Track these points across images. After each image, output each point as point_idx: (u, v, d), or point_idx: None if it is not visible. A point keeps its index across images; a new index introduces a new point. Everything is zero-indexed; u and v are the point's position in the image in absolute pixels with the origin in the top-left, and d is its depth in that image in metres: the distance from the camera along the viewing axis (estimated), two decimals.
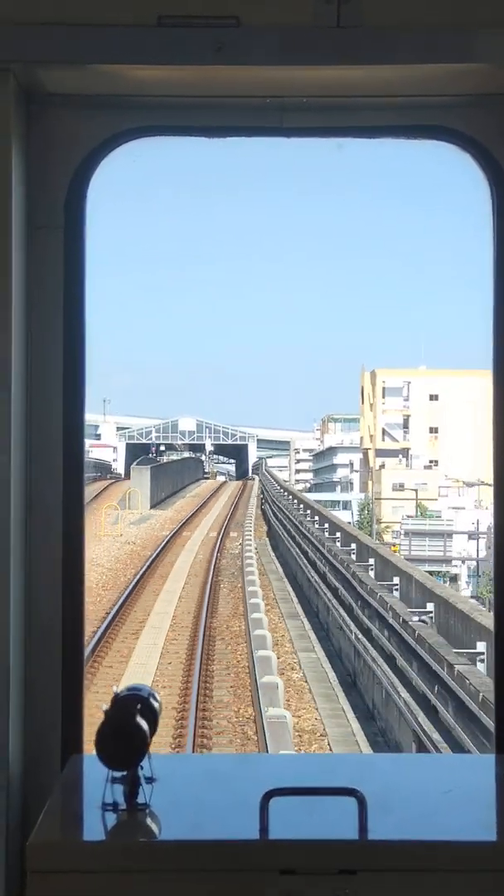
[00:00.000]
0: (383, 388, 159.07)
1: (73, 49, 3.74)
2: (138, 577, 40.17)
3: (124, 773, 3.45)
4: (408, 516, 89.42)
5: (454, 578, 71.38)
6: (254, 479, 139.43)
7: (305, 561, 44.96)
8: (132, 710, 3.42)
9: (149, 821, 3.41)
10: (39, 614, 4.00)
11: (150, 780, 3.53)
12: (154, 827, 3.42)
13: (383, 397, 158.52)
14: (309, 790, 3.49)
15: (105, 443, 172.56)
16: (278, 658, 27.59)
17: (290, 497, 74.93)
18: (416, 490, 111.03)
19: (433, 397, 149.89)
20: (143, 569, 42.39)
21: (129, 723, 3.38)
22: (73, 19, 3.73)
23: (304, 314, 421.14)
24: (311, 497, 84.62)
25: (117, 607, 32.81)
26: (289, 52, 3.73)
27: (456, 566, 77.76)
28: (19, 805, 3.94)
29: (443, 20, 3.74)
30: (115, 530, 60.69)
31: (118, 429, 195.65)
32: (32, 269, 4.04)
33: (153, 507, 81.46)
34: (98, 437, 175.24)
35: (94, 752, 3.48)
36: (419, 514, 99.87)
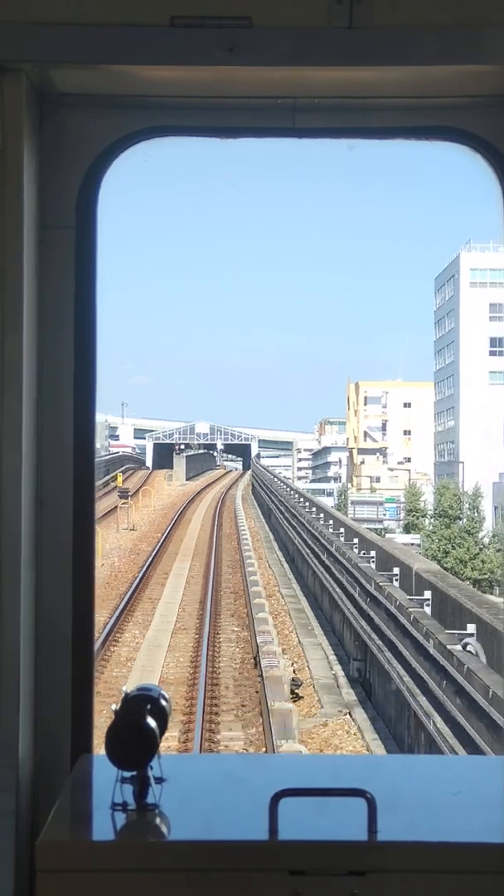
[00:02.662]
0: (365, 397, 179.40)
1: (85, 49, 3.70)
2: (188, 501, 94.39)
3: (134, 772, 3.44)
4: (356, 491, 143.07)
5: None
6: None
7: (266, 493, 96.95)
8: (142, 710, 3.43)
9: (158, 821, 3.38)
10: (49, 614, 3.98)
11: (159, 780, 3.49)
12: (163, 827, 3.39)
13: (365, 405, 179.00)
14: (318, 791, 3.46)
15: (123, 443, 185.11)
16: (246, 521, 76.74)
17: (267, 473, 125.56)
18: (371, 477, 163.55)
19: (407, 405, 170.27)
20: (189, 500, 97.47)
21: (139, 723, 3.39)
22: (85, 19, 3.68)
23: (309, 319, 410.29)
24: (305, 486, 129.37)
25: (182, 508, 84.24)
26: (301, 53, 3.70)
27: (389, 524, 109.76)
28: (29, 804, 3.90)
29: (455, 21, 3.68)
30: (171, 488, 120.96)
31: (135, 430, 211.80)
32: (44, 269, 3.99)
33: (187, 479, 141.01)
34: (117, 437, 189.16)
35: (103, 751, 3.45)
36: (370, 491, 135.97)
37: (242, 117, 4.11)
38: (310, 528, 52.24)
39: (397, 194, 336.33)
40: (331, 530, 50.26)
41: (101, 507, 71.61)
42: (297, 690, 27.25)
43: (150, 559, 49.80)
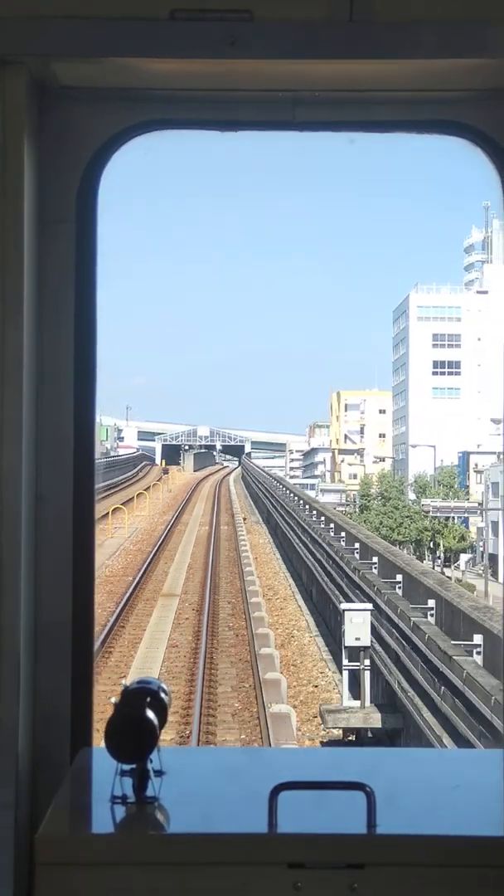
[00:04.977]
0: (345, 405, 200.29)
1: (86, 42, 3.52)
2: (195, 486, 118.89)
3: (133, 766, 3.30)
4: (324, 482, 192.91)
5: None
6: None
7: (250, 478, 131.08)
8: (141, 702, 3.32)
9: (158, 814, 3.27)
10: (49, 607, 3.83)
11: (159, 773, 3.35)
12: (163, 820, 3.28)
13: (345, 411, 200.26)
14: (317, 784, 3.35)
15: (128, 444, 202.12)
16: (234, 487, 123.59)
17: (254, 466, 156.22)
18: (339, 472, 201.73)
19: (381, 411, 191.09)
20: (199, 480, 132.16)
21: (139, 716, 3.29)
22: (86, 12, 3.49)
23: (310, 319, 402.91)
24: (296, 482, 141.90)
25: (195, 484, 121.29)
26: (301, 47, 3.52)
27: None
28: (28, 798, 3.71)
29: (455, 14, 3.50)
30: (184, 474, 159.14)
31: (139, 432, 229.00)
32: (44, 263, 3.80)
33: (195, 470, 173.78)
34: (122, 439, 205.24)
35: (103, 744, 3.29)
36: (340, 482, 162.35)
37: (243, 110, 3.98)
38: (267, 488, 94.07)
39: (397, 188, 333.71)
40: (283, 490, 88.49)
41: (147, 481, 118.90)
42: (244, 522, 74.13)
43: (181, 507, 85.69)
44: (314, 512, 61.95)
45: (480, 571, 74.55)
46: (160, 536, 60.30)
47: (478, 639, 25.39)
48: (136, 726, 3.32)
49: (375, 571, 35.93)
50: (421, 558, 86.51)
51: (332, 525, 52.58)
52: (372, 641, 29.53)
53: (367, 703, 28.77)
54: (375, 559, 38.48)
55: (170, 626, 35.35)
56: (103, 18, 3.55)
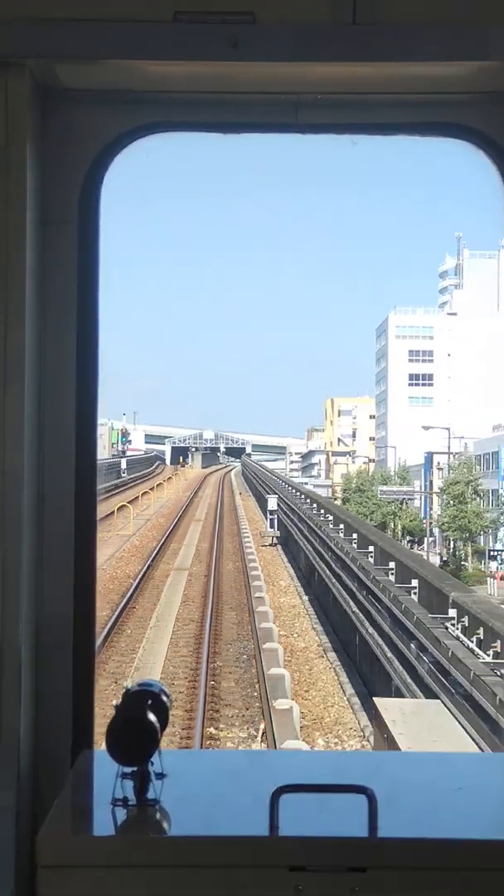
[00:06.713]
0: (339, 411, 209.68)
1: (88, 44, 3.43)
2: (204, 478, 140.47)
3: (135, 768, 3.20)
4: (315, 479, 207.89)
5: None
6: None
7: (248, 472, 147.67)
8: (143, 705, 3.25)
9: (159, 816, 3.18)
10: (51, 609, 3.75)
11: (160, 775, 3.25)
12: (164, 823, 3.20)
13: (338, 416, 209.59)
14: (319, 787, 3.25)
15: (135, 447, 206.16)
16: (234, 479, 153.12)
17: (253, 464, 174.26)
18: (333, 472, 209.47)
19: (372, 416, 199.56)
20: (207, 474, 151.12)
21: (140, 718, 3.21)
22: (88, 14, 3.40)
23: (310, 322, 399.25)
24: (296, 481, 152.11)
25: (204, 477, 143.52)
26: (304, 49, 3.43)
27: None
28: (30, 800, 3.61)
29: (459, 17, 3.41)
30: (194, 470, 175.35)
31: (146, 435, 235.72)
32: (46, 265, 3.71)
33: (202, 468, 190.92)
34: (130, 442, 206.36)
35: (104, 747, 3.17)
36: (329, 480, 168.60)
37: (245, 113, 3.90)
38: (256, 473, 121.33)
39: (400, 190, 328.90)
40: (273, 479, 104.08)
41: (164, 475, 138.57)
42: (240, 496, 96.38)
43: (197, 488, 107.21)
44: (285, 484, 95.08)
45: (438, 550, 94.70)
46: (185, 502, 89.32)
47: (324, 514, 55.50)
48: (137, 728, 3.21)
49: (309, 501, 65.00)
50: None
51: (297, 492, 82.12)
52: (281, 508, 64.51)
53: (276, 530, 64.57)
54: (310, 500, 68.78)
55: (199, 529, 65.27)
56: (106, 21, 3.41)
